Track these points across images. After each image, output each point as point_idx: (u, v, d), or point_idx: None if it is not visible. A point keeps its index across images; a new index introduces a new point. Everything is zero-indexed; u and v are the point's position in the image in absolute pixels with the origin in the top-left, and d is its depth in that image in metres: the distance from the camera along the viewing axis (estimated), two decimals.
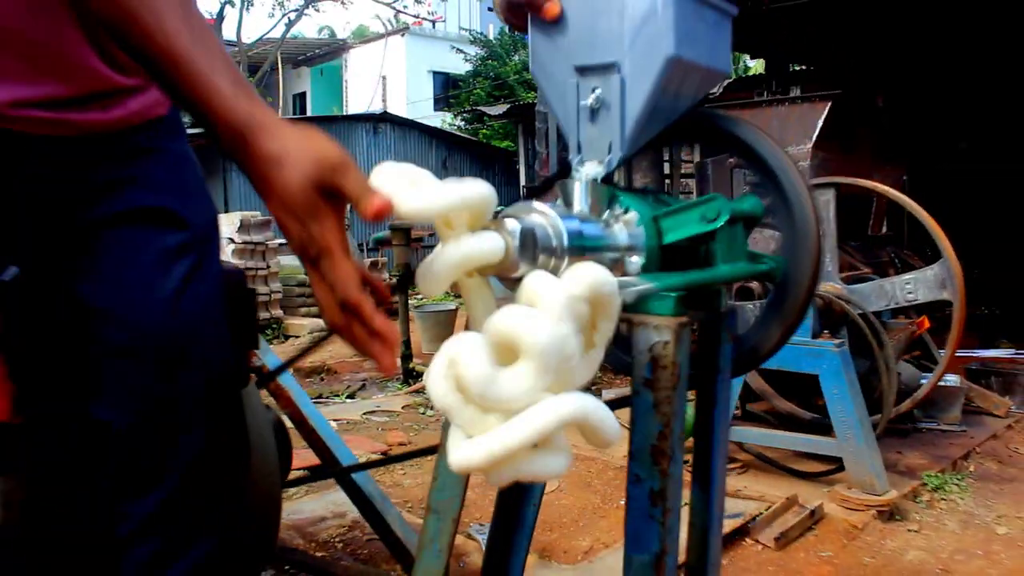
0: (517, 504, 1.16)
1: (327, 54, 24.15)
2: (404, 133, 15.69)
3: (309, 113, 22.56)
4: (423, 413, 4.40)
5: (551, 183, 1.26)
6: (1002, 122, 6.64)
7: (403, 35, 22.74)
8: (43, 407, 1.11)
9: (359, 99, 22.11)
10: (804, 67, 8.98)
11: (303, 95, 24.75)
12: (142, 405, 1.03)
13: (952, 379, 3.73)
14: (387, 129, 15.53)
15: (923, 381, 3.36)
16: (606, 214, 0.97)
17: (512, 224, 0.79)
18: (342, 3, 18.86)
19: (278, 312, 7.30)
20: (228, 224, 6.90)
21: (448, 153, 15.87)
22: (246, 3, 17.32)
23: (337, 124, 15.33)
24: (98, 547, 1.10)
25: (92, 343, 1.03)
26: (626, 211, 0.96)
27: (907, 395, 3.28)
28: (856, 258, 3.68)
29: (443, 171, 16.11)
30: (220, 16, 16.81)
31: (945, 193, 6.24)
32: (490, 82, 19.00)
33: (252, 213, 7.37)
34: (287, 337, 7.09)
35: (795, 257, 1.08)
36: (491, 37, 20.46)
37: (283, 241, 9.18)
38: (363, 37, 25.16)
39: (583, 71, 0.98)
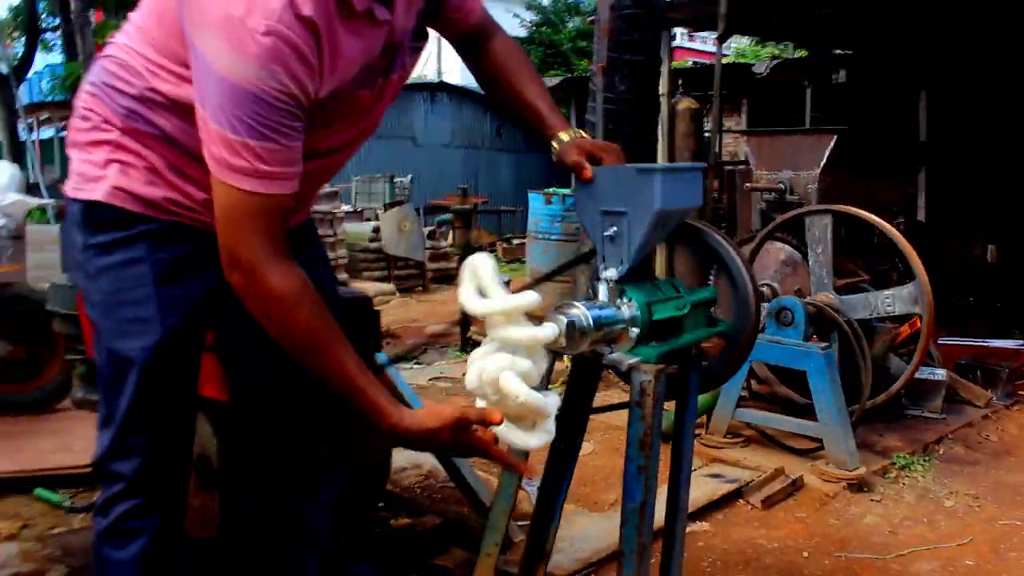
0: (560, 464, 1.82)
1: None
2: (459, 102, 16.12)
3: None
4: None
5: (585, 258, 1.92)
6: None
7: None
8: (242, 391, 1.83)
9: None
10: (847, 51, 9.23)
11: None
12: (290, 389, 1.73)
13: (940, 372, 4.28)
14: (444, 98, 15.99)
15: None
16: (618, 301, 1.60)
17: (561, 317, 1.45)
18: None
19: (344, 276, 8.11)
20: None
21: (501, 122, 16.29)
22: None
23: None
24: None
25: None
26: (630, 300, 1.60)
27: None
28: (859, 266, 4.23)
29: (497, 139, 16.61)
30: None
31: (972, 201, 6.69)
32: (544, 49, 19.28)
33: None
34: None
35: (740, 319, 1.71)
36: (544, 3, 20.58)
37: (348, 209, 9.98)
38: None
39: (606, 214, 1.60)
